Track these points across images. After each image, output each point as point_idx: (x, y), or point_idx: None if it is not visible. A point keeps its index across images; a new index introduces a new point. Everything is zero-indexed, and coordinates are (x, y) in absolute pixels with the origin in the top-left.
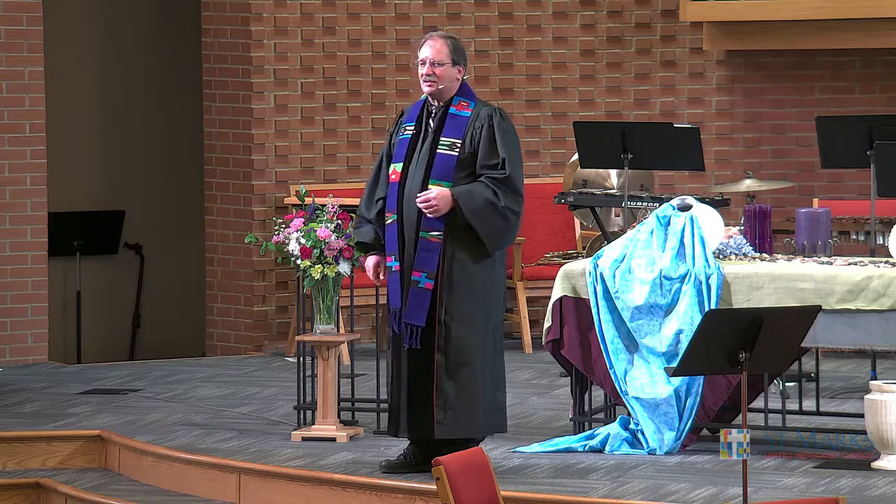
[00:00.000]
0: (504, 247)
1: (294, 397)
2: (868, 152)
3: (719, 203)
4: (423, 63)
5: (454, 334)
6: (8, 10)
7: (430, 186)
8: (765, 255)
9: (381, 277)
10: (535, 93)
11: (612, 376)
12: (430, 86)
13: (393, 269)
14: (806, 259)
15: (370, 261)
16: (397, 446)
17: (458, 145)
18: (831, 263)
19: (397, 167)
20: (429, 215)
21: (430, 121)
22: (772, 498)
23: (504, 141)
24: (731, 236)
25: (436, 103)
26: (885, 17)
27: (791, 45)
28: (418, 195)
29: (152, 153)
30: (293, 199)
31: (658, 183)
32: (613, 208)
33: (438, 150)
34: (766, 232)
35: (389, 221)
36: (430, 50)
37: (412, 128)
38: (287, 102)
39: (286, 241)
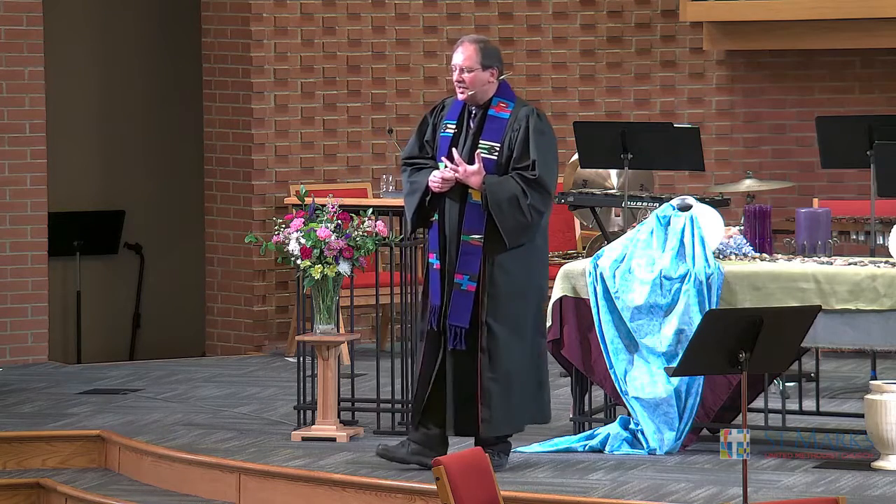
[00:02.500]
0: (523, 243)
1: (294, 397)
2: (868, 152)
3: (719, 203)
4: (455, 69)
5: (496, 335)
6: (8, 10)
7: (469, 191)
8: (765, 255)
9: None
10: (535, 93)
11: (612, 376)
12: (461, 92)
13: (434, 266)
14: (806, 259)
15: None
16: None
17: (497, 149)
18: (831, 263)
19: (441, 167)
20: (447, 178)
21: (471, 122)
22: (772, 498)
23: (537, 142)
24: (731, 236)
25: (475, 106)
26: (885, 17)
27: (791, 45)
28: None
29: (152, 153)
30: (293, 199)
31: (658, 183)
32: (613, 208)
33: (478, 154)
34: (766, 232)
35: (433, 219)
36: (459, 56)
37: (453, 126)
38: (287, 102)
39: (286, 241)
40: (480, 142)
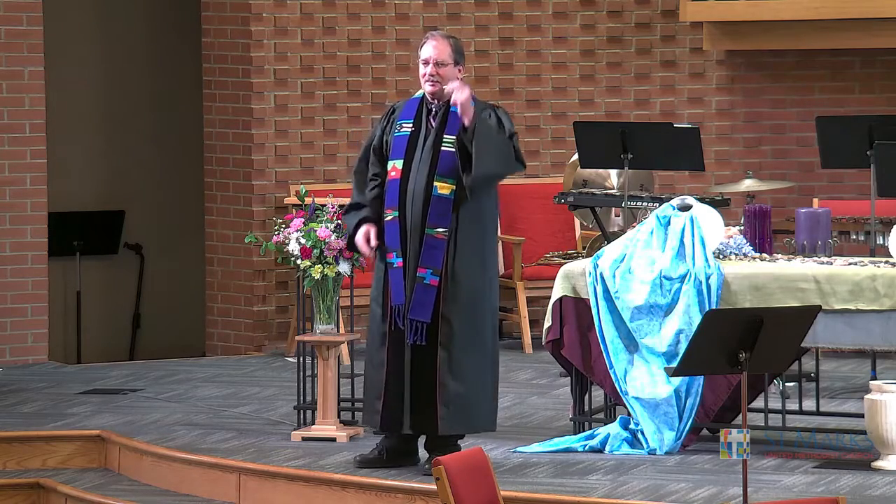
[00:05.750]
0: (484, 184)
1: (294, 397)
2: (868, 152)
3: (719, 203)
4: (427, 63)
5: (457, 330)
6: (8, 10)
7: (435, 184)
8: (765, 255)
9: (374, 244)
10: (535, 93)
11: (612, 376)
12: (433, 86)
13: (395, 265)
14: (806, 259)
15: (362, 230)
16: None
17: None
18: (831, 263)
19: (397, 164)
20: (461, 101)
21: (431, 119)
22: (772, 498)
23: (510, 126)
24: (731, 236)
25: (436, 102)
26: (885, 17)
27: (791, 45)
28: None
29: (152, 153)
30: (293, 199)
31: (658, 183)
32: (613, 208)
33: (443, 148)
34: (766, 232)
35: (390, 218)
36: (433, 50)
37: (410, 125)
38: (287, 102)
39: (286, 241)
40: (445, 136)
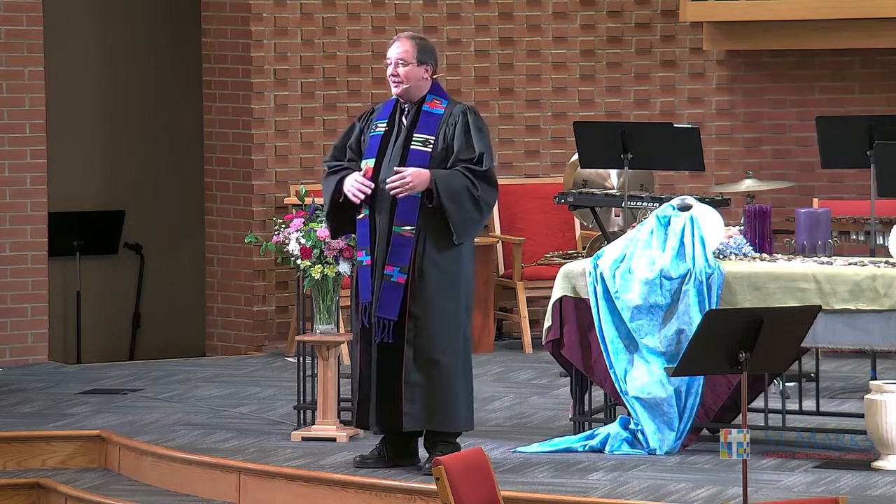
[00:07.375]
0: (471, 237)
1: (294, 397)
2: (868, 152)
3: (719, 203)
4: (390, 63)
5: (424, 328)
6: (8, 10)
7: None
8: (765, 255)
9: (367, 179)
10: (535, 93)
11: (612, 376)
12: (395, 86)
13: (364, 263)
14: (806, 259)
15: (349, 177)
16: None
17: (431, 142)
18: (831, 263)
19: (369, 163)
20: (400, 194)
21: (403, 118)
22: (772, 498)
23: (479, 137)
24: (731, 236)
25: (407, 102)
26: (885, 17)
27: (791, 45)
28: (390, 179)
29: (152, 153)
30: (293, 199)
31: (658, 183)
32: (613, 208)
33: (412, 147)
34: (766, 232)
35: (361, 216)
36: (396, 50)
37: (384, 125)
38: (287, 102)
39: (286, 241)
40: (414, 135)
